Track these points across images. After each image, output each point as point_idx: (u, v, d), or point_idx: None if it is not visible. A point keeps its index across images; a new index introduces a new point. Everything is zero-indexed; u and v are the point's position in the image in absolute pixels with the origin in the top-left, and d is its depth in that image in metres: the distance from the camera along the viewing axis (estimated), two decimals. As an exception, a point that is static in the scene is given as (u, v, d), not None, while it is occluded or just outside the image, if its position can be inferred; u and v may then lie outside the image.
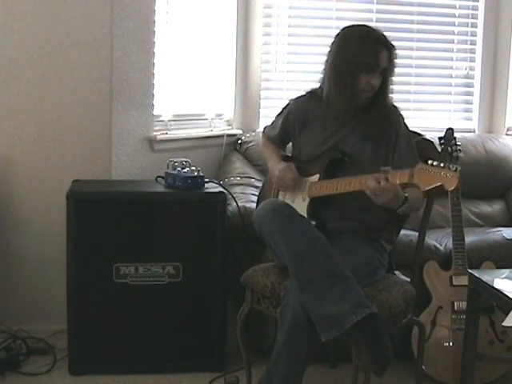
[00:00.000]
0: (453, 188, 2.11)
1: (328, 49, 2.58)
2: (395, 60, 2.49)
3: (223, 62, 3.81)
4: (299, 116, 2.66)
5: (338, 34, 2.56)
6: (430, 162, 2.16)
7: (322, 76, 2.58)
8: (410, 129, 2.61)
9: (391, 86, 2.53)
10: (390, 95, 2.55)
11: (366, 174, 2.33)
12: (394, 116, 2.55)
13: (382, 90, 2.50)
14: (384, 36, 2.47)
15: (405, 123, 2.58)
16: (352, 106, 2.49)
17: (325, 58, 2.58)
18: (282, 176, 2.59)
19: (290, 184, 2.57)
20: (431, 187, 2.16)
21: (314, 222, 2.43)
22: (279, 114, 2.78)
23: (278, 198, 2.64)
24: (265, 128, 2.89)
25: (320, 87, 2.60)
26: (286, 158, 2.76)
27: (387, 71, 2.48)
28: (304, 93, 2.71)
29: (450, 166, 2.11)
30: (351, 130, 2.55)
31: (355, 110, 2.51)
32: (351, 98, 2.47)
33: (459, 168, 2.10)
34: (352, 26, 2.56)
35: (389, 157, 2.51)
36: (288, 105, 2.74)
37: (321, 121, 2.60)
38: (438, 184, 2.13)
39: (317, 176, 2.54)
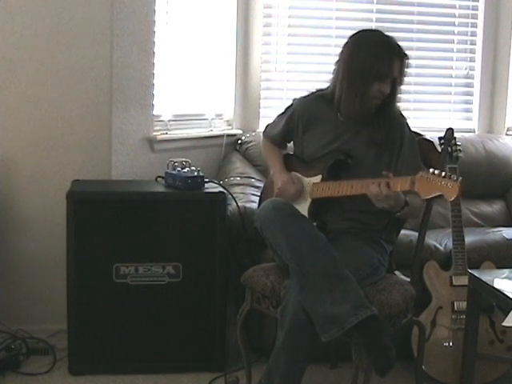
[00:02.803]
0: (453, 199, 2.12)
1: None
2: (406, 69, 2.49)
3: (223, 62, 3.81)
4: (304, 115, 2.66)
5: (351, 37, 2.55)
6: (431, 170, 2.17)
7: (332, 77, 2.58)
8: (411, 129, 2.62)
9: (399, 95, 2.54)
10: (398, 102, 2.56)
11: (368, 177, 2.34)
12: (399, 122, 2.56)
13: (390, 98, 2.50)
14: (398, 45, 2.47)
15: (409, 128, 2.59)
16: (361, 111, 2.50)
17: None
18: (284, 189, 2.58)
19: (292, 198, 2.57)
20: (431, 196, 2.17)
21: (314, 223, 2.44)
22: (282, 114, 2.78)
23: (279, 198, 2.64)
24: (266, 127, 2.89)
25: (329, 88, 2.60)
26: (287, 157, 2.76)
27: (398, 80, 2.48)
28: (308, 92, 2.71)
29: (452, 175, 2.12)
30: (356, 134, 2.55)
31: (363, 115, 2.52)
32: (361, 104, 2.47)
33: (460, 178, 2.11)
34: (367, 31, 2.58)
35: (392, 162, 2.52)
36: (292, 104, 2.74)
37: (327, 122, 2.60)
38: (439, 193, 2.14)
39: (319, 177, 2.54)
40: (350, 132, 2.56)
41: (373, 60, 2.42)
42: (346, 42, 2.55)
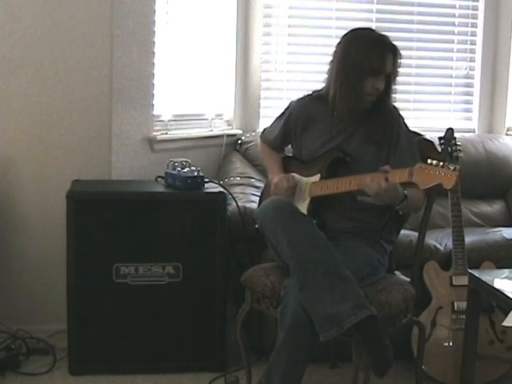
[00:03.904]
0: (451, 187, 2.13)
1: (330, 49, 2.58)
2: (399, 65, 2.51)
3: (223, 62, 3.81)
4: (301, 116, 2.66)
5: (344, 36, 2.56)
6: (429, 161, 2.18)
7: (327, 77, 2.59)
8: (410, 129, 2.63)
9: (394, 91, 2.55)
10: (393, 99, 2.56)
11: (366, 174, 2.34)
12: (394, 118, 2.57)
13: (385, 94, 2.51)
14: (390, 41, 2.49)
15: (405, 123, 2.59)
16: (357, 108, 2.50)
17: (328, 58, 2.59)
18: (278, 186, 2.58)
19: (286, 194, 2.56)
20: (430, 186, 2.18)
21: (314, 222, 2.43)
22: (279, 117, 2.78)
23: (279, 197, 2.64)
24: (263, 131, 2.89)
25: (324, 88, 2.61)
26: (286, 159, 2.76)
27: (391, 76, 2.49)
28: (304, 94, 2.72)
29: (450, 165, 2.12)
30: (353, 132, 2.56)
31: (359, 112, 2.52)
32: (356, 101, 2.48)
33: (458, 167, 2.11)
34: (358, 29, 2.59)
35: (390, 157, 2.52)
36: (289, 106, 2.75)
37: (323, 122, 2.60)
38: (437, 183, 2.14)
39: (318, 176, 2.54)
40: (346, 130, 2.57)
41: (365, 56, 2.44)
42: (339, 42, 2.57)
